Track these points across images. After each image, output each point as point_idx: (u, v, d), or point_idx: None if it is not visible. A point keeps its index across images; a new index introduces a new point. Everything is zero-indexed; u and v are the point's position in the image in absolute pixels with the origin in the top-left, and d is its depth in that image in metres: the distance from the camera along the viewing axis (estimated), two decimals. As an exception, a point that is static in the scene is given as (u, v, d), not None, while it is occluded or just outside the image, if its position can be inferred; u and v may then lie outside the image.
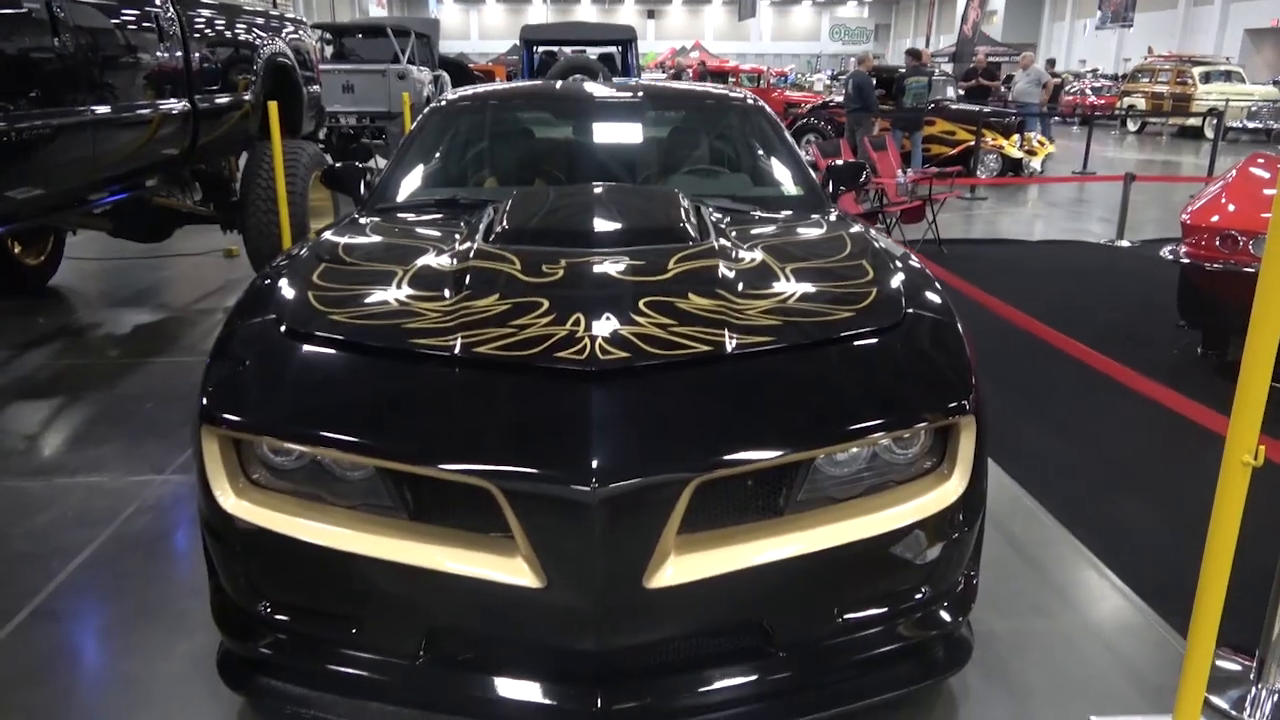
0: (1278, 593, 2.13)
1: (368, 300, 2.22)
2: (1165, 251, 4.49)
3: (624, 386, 1.88)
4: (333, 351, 2.04)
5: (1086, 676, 2.33)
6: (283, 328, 2.11)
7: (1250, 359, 1.78)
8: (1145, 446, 3.85)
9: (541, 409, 1.86)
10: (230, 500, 1.92)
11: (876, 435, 1.89)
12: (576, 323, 2.01)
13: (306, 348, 2.05)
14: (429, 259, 2.47)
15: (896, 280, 2.34)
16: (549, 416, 1.84)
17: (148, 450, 3.69)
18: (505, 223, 2.63)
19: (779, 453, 1.82)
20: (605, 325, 2.01)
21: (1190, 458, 3.70)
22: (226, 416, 1.92)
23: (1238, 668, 2.33)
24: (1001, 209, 10.94)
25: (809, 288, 2.29)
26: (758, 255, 2.47)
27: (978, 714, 2.17)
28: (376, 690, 1.97)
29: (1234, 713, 2.19)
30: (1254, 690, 2.23)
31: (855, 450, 1.96)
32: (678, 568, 1.79)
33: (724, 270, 2.30)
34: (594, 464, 1.72)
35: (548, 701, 1.88)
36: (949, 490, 1.98)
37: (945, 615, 2.11)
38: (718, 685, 1.92)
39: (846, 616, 1.99)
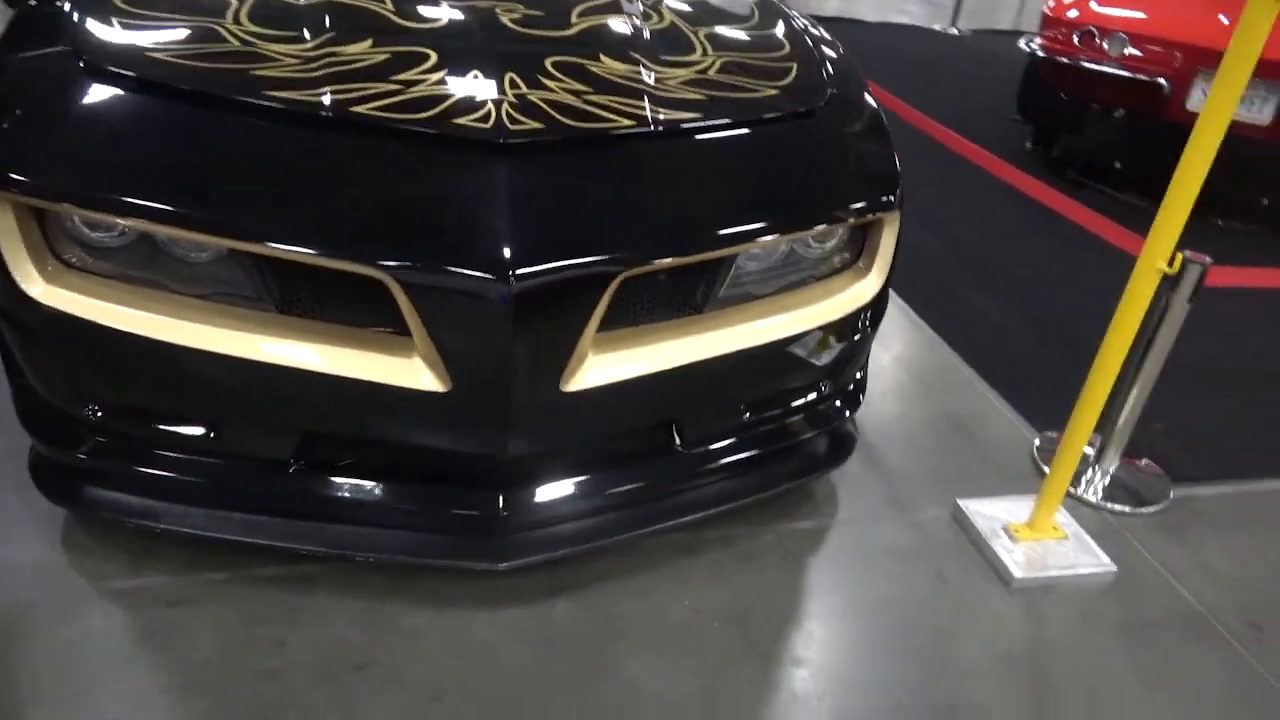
0: (1126, 385, 2.28)
1: (197, 31, 1.74)
2: (1022, 43, 4.48)
3: (539, 162, 1.60)
4: (157, 98, 1.60)
5: (949, 463, 2.44)
6: (82, 61, 1.63)
7: (1187, 162, 1.76)
8: (995, 234, 3.99)
9: (441, 185, 1.56)
10: (38, 287, 1.53)
11: (819, 229, 1.77)
12: (474, 82, 1.68)
13: (119, 91, 1.60)
14: None
15: (814, 56, 2.13)
16: (451, 194, 1.55)
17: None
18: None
19: (720, 246, 1.65)
20: (509, 88, 1.69)
21: (1036, 244, 3.88)
22: (17, 178, 1.49)
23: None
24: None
25: (726, 57, 2.04)
26: (666, 15, 2.17)
27: (856, 498, 2.24)
28: (241, 498, 1.74)
29: (1072, 489, 2.38)
30: (1090, 470, 2.43)
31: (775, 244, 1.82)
32: (597, 369, 1.63)
33: (634, 29, 2.00)
34: (506, 252, 1.48)
35: (450, 509, 1.73)
36: (866, 287, 1.91)
37: (839, 411, 2.11)
38: (624, 487, 1.85)
39: (751, 414, 1.94)
